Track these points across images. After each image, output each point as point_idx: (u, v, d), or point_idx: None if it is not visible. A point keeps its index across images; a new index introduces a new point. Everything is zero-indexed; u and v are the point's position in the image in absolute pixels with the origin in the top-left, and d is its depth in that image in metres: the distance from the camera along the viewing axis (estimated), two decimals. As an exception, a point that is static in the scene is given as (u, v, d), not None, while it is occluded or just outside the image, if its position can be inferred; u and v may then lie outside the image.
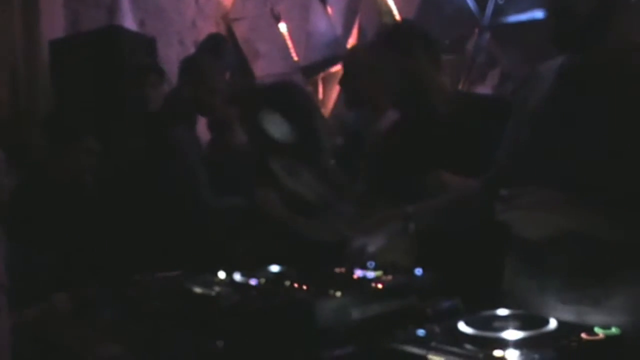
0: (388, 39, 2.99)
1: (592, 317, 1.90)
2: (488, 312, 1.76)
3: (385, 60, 2.94)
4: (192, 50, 7.00)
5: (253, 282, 2.19)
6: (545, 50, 2.16)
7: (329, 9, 7.26)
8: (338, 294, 1.87)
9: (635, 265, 1.91)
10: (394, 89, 2.98)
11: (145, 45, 5.85)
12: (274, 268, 2.39)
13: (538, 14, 5.16)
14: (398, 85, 2.92)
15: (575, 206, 1.89)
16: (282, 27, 7.44)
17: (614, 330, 1.60)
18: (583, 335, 1.57)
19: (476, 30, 6.18)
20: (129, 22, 6.61)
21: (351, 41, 7.07)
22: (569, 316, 1.89)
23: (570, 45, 2.03)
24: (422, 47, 2.88)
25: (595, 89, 1.97)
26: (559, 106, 2.04)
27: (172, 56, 7.04)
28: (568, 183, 1.92)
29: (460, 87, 5.97)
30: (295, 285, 2.05)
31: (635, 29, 2.04)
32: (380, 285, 1.96)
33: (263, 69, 7.38)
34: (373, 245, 2.40)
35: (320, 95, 7.16)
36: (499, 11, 6.01)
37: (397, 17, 6.53)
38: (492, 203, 1.91)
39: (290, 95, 3.24)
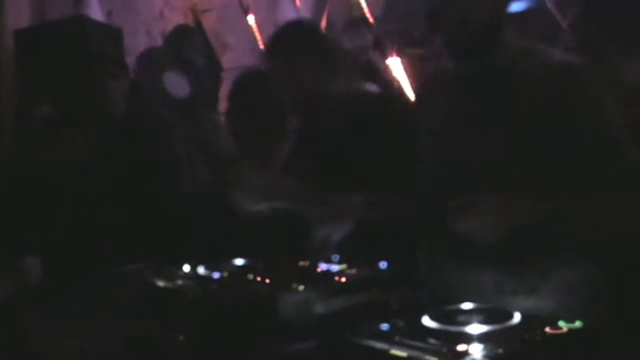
0: (273, 41, 2.91)
1: (529, 302, 1.97)
2: (452, 306, 1.75)
3: (272, 63, 2.89)
4: (159, 41, 6.94)
5: (216, 275, 2.17)
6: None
7: (298, 1, 7.24)
8: (301, 287, 1.85)
9: (567, 250, 2.02)
10: (283, 92, 2.92)
11: (111, 35, 5.77)
12: (238, 261, 2.36)
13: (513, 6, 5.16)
14: (285, 88, 2.86)
15: (519, 203, 1.94)
16: (251, 19, 7.40)
17: (577, 323, 1.61)
18: (547, 329, 1.57)
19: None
20: (96, 12, 6.54)
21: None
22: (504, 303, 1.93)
23: (466, 54, 2.12)
24: (308, 49, 2.77)
25: (492, 94, 2.09)
26: (462, 112, 2.15)
27: (139, 47, 6.97)
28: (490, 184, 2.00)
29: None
30: (259, 278, 2.03)
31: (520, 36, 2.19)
32: (344, 279, 1.95)
33: (231, 62, 7.34)
34: (337, 233, 2.39)
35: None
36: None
37: (366, 9, 6.53)
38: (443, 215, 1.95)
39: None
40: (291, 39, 2.84)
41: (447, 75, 2.25)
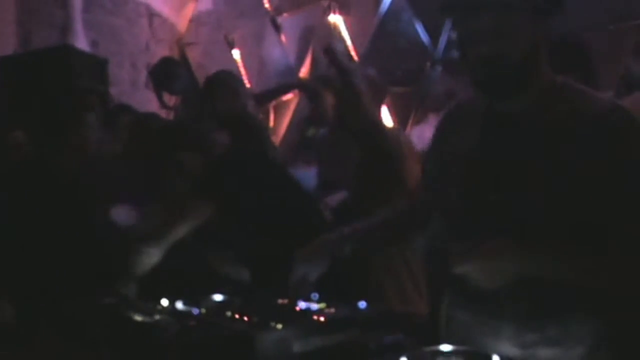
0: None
1: (552, 355, 1.88)
2: (431, 348, 1.74)
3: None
4: (143, 72, 6.96)
5: (195, 311, 2.15)
6: None
7: (283, 37, 7.29)
8: (279, 326, 1.84)
9: (587, 301, 1.89)
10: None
11: (96, 66, 5.80)
12: (217, 298, 2.35)
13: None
14: None
15: (527, 252, 1.84)
16: (236, 53, 7.44)
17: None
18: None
19: (428, 63, 6.24)
20: (82, 42, 6.56)
21: (304, 70, 7.09)
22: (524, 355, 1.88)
23: (499, 92, 1.95)
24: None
25: (526, 134, 1.93)
26: (492, 152, 1.99)
27: (124, 78, 7.00)
28: (508, 228, 1.89)
29: (411, 118, 6.02)
30: (237, 316, 2.01)
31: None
32: (322, 318, 1.94)
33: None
34: (315, 272, 2.35)
35: (272, 123, 7.15)
36: (452, 45, 6.07)
37: (351, 47, 6.57)
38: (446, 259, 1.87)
39: None
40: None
41: (476, 111, 2.05)
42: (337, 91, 3.62)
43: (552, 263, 1.85)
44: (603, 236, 1.81)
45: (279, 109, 7.28)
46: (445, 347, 1.73)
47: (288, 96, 6.87)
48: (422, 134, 5.01)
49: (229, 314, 2.05)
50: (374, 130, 3.39)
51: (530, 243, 1.83)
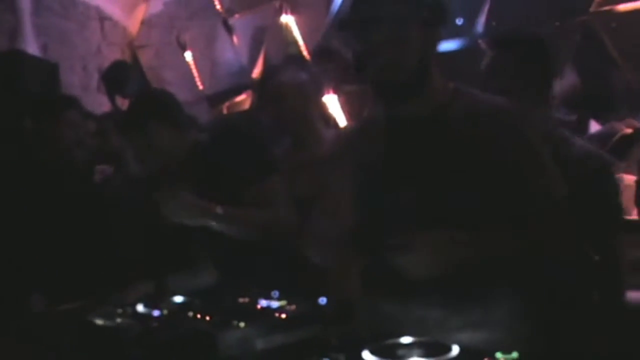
0: (128, 114, 3.16)
1: (474, 338, 1.95)
2: (392, 340, 1.77)
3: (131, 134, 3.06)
4: (95, 76, 6.91)
5: (156, 313, 2.16)
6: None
7: (235, 39, 7.28)
8: (241, 324, 1.86)
9: (507, 283, 2.04)
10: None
11: (47, 71, 5.75)
12: (178, 299, 2.35)
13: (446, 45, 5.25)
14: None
15: (463, 240, 1.95)
16: (188, 55, 7.42)
17: (514, 354, 1.64)
18: (485, 360, 1.61)
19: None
20: (32, 46, 6.48)
21: (257, 71, 7.09)
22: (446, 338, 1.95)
23: (394, 98, 2.10)
24: (156, 119, 2.94)
25: (422, 137, 2.08)
26: (393, 156, 2.13)
27: (75, 82, 6.94)
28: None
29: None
30: (199, 315, 2.02)
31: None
32: (284, 315, 1.96)
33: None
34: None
35: (225, 124, 7.15)
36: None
37: (303, 47, 6.59)
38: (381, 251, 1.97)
39: None
40: (141, 111, 3.03)
41: (377, 122, 2.22)
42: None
43: (485, 246, 1.99)
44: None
45: (232, 110, 7.29)
46: (406, 339, 1.76)
47: (241, 97, 6.88)
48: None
49: (190, 314, 2.07)
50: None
51: (463, 232, 1.94)
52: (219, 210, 2.70)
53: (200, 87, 7.42)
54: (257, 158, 2.92)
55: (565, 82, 4.73)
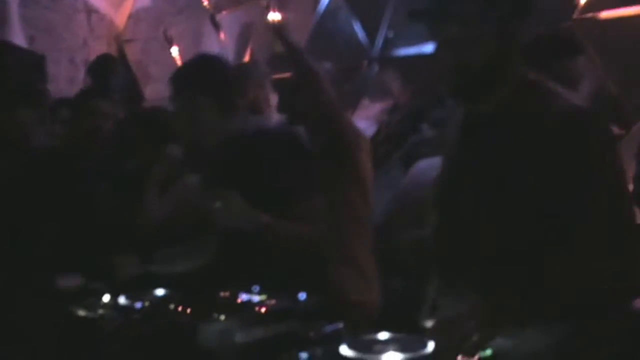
0: (175, 77, 2.93)
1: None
2: (369, 336, 1.80)
3: (174, 98, 2.91)
4: (82, 69, 6.90)
5: (137, 305, 2.18)
6: (432, 85, 2.17)
7: (222, 35, 7.29)
8: (221, 317, 1.89)
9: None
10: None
11: (33, 62, 5.75)
12: (160, 291, 2.37)
13: (427, 48, 5.28)
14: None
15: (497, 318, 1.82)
16: (175, 50, 7.42)
17: (487, 352, 1.68)
18: (459, 357, 1.64)
19: (365, 62, 6.30)
20: (18, 38, 6.47)
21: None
22: None
23: (467, 97, 2.01)
24: (200, 88, 2.79)
25: (497, 135, 1.96)
26: (463, 160, 2.04)
27: (61, 75, 6.94)
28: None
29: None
30: (180, 308, 2.05)
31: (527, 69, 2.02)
32: (263, 309, 1.99)
33: (154, 92, 7.33)
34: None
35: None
36: (389, 44, 6.13)
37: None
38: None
39: None
40: (185, 77, 2.89)
41: (455, 121, 2.11)
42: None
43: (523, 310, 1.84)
44: (569, 235, 1.84)
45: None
46: (383, 335, 1.79)
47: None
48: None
49: (171, 307, 2.09)
50: (335, 116, 3.34)
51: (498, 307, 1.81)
52: (266, 220, 2.60)
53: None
54: (309, 173, 2.83)
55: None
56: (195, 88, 2.79)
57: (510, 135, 1.92)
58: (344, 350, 1.68)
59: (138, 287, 2.42)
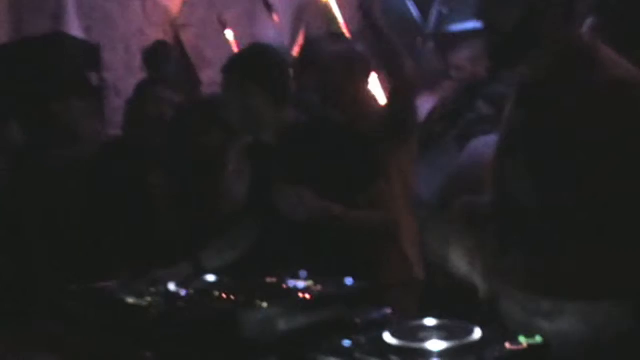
0: (228, 66, 2.86)
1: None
2: (414, 322, 1.74)
3: (226, 86, 2.86)
4: (138, 57, 6.94)
5: (183, 292, 2.17)
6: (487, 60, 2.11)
7: (276, 17, 7.25)
8: (264, 304, 1.85)
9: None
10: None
11: (89, 52, 5.80)
12: (210, 278, 2.36)
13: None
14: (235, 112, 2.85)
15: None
16: (229, 34, 7.41)
17: (537, 338, 1.61)
18: (507, 344, 1.58)
19: (419, 39, 6.21)
20: (75, 28, 6.53)
21: (297, 49, 7.06)
22: None
23: (502, 61, 1.97)
24: (255, 78, 2.75)
25: (542, 104, 1.90)
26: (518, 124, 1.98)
27: (117, 63, 6.98)
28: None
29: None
30: (224, 295, 2.03)
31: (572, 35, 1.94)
32: (308, 296, 1.95)
33: (210, 77, 7.34)
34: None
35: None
36: (443, 19, 6.04)
37: (343, 25, 6.53)
38: None
39: None
40: (242, 66, 2.83)
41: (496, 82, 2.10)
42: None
43: None
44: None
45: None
46: (429, 321, 1.74)
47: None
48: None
49: (216, 293, 2.07)
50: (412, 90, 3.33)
51: None
52: (338, 211, 2.63)
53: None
54: (371, 161, 2.83)
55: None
56: (245, 76, 2.76)
57: (558, 106, 1.84)
58: (387, 337, 1.63)
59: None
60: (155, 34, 7.38)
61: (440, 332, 1.65)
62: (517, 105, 1.99)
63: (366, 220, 2.74)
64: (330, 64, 3.28)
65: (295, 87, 3.67)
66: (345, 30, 6.54)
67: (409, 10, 6.25)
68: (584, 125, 1.78)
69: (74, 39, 5.99)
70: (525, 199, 1.90)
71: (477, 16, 1.94)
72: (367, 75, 3.49)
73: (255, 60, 2.84)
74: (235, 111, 2.81)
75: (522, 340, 1.60)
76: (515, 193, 1.93)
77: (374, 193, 2.75)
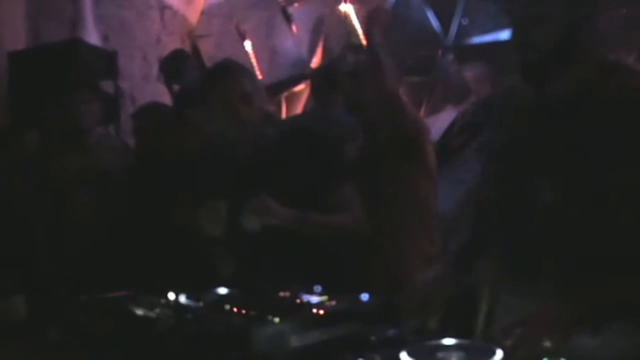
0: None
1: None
2: (432, 342, 1.67)
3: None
4: (155, 66, 6.92)
5: (193, 305, 2.10)
6: (508, 72, 2.09)
7: (294, 28, 7.23)
8: (276, 319, 1.78)
9: None
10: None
11: (105, 60, 5.77)
12: (221, 290, 2.30)
13: (502, 35, 5.13)
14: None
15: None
16: (247, 44, 7.39)
17: (562, 360, 1.54)
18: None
19: (440, 51, 6.16)
20: (93, 36, 6.51)
21: (315, 60, 7.03)
22: None
23: (537, 78, 1.92)
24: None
25: (570, 119, 1.87)
26: (527, 140, 1.95)
27: (134, 71, 6.96)
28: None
29: (423, 108, 5.94)
30: (235, 309, 1.96)
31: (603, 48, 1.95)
32: (322, 311, 1.87)
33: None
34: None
35: (284, 114, 7.09)
36: (463, 32, 6.00)
37: (362, 37, 6.50)
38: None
39: None
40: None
41: (526, 95, 2.00)
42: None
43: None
44: None
45: (291, 100, 7.23)
46: (448, 341, 1.67)
47: (300, 87, 6.82)
48: (433, 124, 4.93)
49: (227, 307, 2.00)
50: (397, 107, 3.30)
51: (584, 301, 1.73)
52: (296, 214, 2.64)
53: (260, 77, 7.37)
54: (337, 164, 2.86)
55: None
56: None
57: (589, 119, 1.80)
58: (404, 357, 1.56)
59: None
60: (172, 44, 7.37)
61: (460, 352, 1.58)
62: (535, 118, 1.95)
63: (332, 223, 2.73)
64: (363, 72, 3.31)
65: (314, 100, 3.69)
66: (364, 41, 6.52)
67: (429, 21, 6.21)
68: (618, 137, 1.75)
69: (91, 46, 5.97)
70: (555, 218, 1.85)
71: (512, 35, 1.91)
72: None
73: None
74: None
75: (547, 362, 1.53)
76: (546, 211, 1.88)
77: (340, 195, 2.76)
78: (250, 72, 2.99)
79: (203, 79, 3.06)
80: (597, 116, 1.80)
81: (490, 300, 2.06)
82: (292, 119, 5.98)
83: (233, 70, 2.88)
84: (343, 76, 3.58)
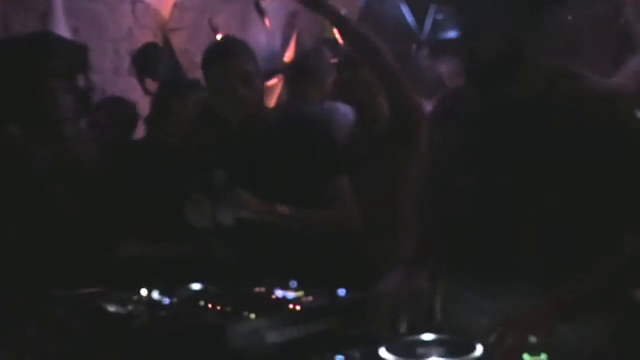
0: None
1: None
2: (412, 337, 1.65)
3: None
4: (127, 59, 6.85)
5: (166, 301, 2.06)
6: None
7: (267, 22, 7.19)
8: (252, 315, 1.75)
9: None
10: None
11: (76, 53, 5.69)
12: (195, 286, 2.27)
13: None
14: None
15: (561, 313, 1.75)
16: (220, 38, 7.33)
17: (542, 356, 1.53)
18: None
19: (414, 46, 6.16)
20: (63, 29, 6.43)
21: (288, 55, 7.00)
22: None
23: (481, 82, 1.96)
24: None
25: (511, 127, 1.92)
26: (475, 144, 1.99)
27: (106, 65, 6.88)
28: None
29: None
30: (209, 305, 1.92)
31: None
32: (298, 307, 1.85)
33: (201, 80, 7.26)
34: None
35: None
36: (437, 26, 6.00)
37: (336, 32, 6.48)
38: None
39: None
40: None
41: (467, 100, 2.04)
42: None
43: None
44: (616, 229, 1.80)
45: (265, 94, 7.19)
46: (427, 337, 1.65)
47: (272, 81, 6.76)
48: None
49: (202, 303, 1.97)
50: (404, 87, 3.31)
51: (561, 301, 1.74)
52: (282, 210, 2.63)
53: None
54: (332, 157, 2.83)
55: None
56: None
57: (537, 121, 1.86)
58: (384, 353, 1.54)
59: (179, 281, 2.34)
60: (144, 37, 7.29)
61: (440, 348, 1.56)
62: (486, 121, 1.99)
63: (319, 219, 2.71)
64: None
65: (288, 92, 3.66)
66: (338, 36, 6.49)
67: (403, 16, 6.20)
68: (559, 141, 1.81)
69: (61, 39, 5.89)
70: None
71: (457, 40, 1.96)
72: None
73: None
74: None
75: (527, 358, 1.51)
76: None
77: (333, 189, 2.74)
78: (251, 51, 2.93)
79: (203, 57, 3.03)
80: (542, 119, 1.85)
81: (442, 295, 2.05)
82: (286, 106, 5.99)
83: (233, 48, 2.85)
84: (340, 68, 3.56)
